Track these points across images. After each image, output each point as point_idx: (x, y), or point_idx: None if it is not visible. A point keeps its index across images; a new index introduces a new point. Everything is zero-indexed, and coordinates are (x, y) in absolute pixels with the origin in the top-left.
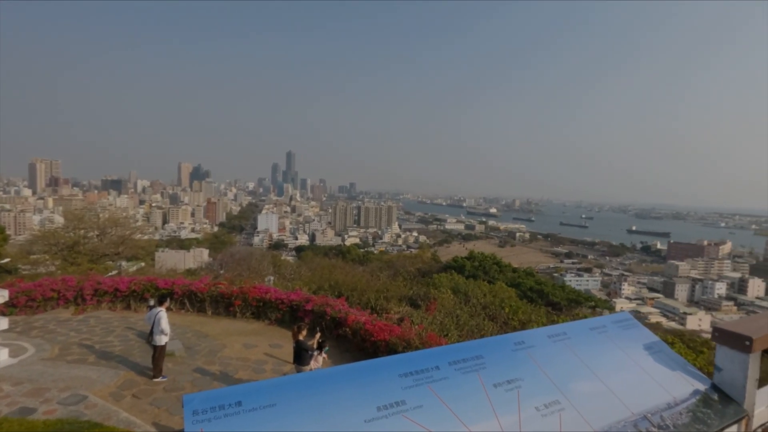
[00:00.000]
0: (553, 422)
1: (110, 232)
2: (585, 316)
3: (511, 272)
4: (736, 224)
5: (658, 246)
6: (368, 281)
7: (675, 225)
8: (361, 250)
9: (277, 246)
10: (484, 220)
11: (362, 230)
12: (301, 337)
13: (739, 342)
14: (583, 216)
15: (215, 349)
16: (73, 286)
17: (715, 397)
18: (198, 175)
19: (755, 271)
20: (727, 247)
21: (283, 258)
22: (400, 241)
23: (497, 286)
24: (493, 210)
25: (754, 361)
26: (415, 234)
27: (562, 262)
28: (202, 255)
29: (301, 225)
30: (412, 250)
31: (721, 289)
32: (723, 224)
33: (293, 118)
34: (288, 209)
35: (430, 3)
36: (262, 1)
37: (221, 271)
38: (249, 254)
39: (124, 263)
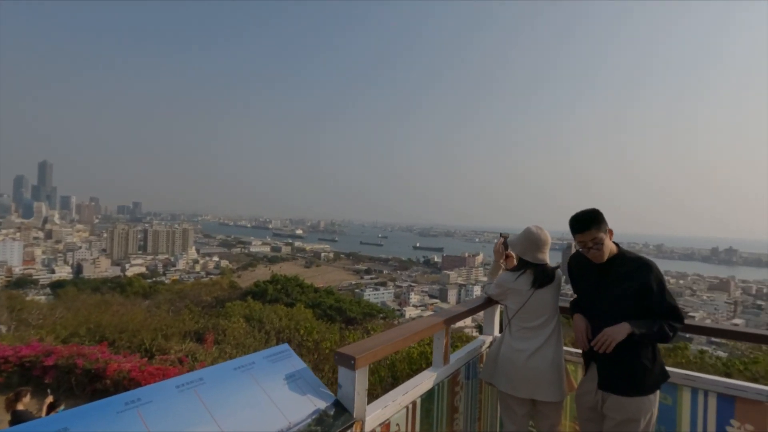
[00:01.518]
0: None
1: None
2: (374, 329)
3: (313, 292)
4: (486, 239)
5: (435, 259)
6: (144, 319)
7: (446, 241)
8: (148, 281)
9: (22, 283)
10: (290, 241)
11: (150, 257)
12: (20, 406)
13: (347, 361)
14: (379, 235)
15: None
16: None
17: (333, 411)
18: None
19: None
20: (480, 258)
21: (29, 299)
22: (198, 268)
23: (295, 309)
24: (299, 231)
25: (360, 376)
26: (216, 259)
27: (362, 278)
28: None
29: (61, 254)
30: (213, 276)
31: (477, 291)
32: (477, 240)
33: (49, 123)
34: (41, 234)
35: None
36: None
37: None
38: None
39: None
